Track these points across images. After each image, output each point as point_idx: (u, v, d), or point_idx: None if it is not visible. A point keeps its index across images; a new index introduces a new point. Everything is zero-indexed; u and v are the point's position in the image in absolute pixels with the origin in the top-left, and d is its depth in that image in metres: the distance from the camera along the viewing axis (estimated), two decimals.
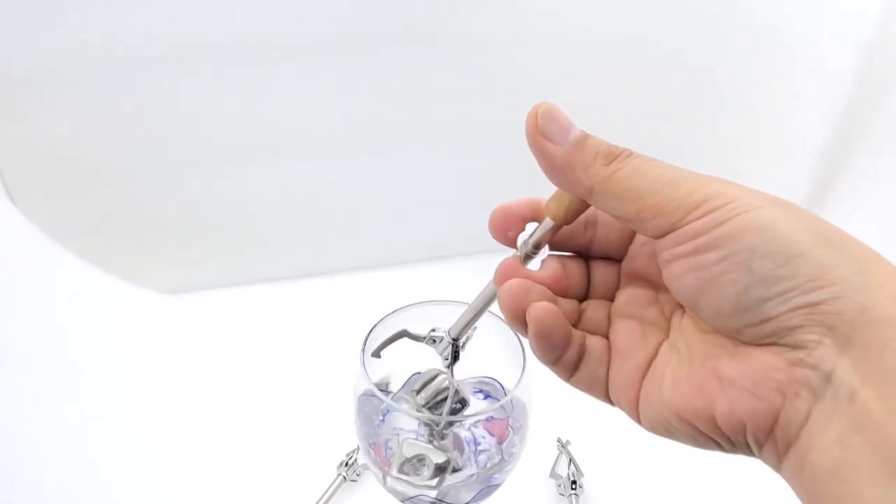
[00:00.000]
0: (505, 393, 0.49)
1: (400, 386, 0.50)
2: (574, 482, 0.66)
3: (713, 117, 0.93)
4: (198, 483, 0.69)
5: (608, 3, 0.85)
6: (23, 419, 0.73)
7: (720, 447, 0.29)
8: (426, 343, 0.39)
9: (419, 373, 0.50)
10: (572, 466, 0.68)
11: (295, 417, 0.75)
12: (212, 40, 0.94)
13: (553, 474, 0.68)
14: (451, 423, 0.46)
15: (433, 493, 0.43)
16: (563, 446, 0.70)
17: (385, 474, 0.44)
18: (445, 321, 0.49)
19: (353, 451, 0.69)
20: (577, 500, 0.65)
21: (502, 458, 0.45)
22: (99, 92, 0.93)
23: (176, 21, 0.94)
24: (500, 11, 0.86)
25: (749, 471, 0.71)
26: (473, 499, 0.44)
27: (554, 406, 0.66)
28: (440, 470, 0.43)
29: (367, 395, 0.46)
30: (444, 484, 0.43)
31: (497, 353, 0.48)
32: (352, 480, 0.67)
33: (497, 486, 0.45)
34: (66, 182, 0.92)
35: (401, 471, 0.43)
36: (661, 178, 0.28)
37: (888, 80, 0.85)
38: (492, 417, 0.46)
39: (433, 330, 0.38)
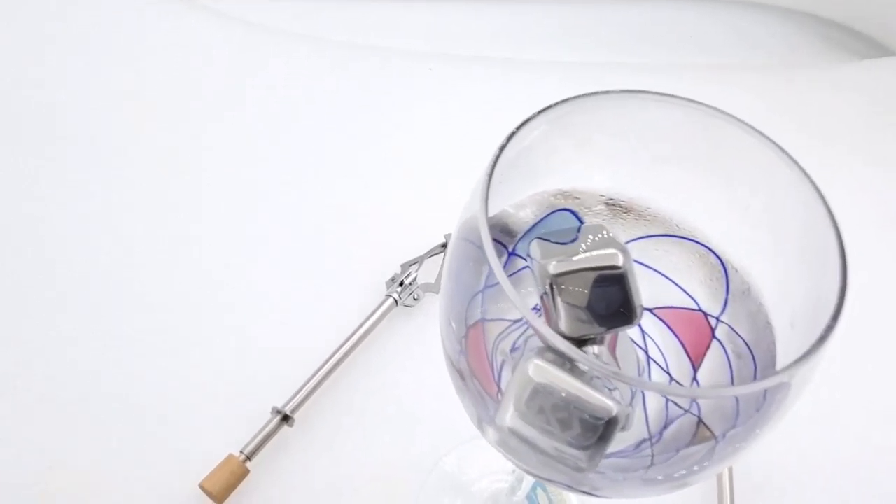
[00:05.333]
0: (727, 284, 0.25)
1: (521, 234, 0.27)
2: None
3: None
4: (217, 261, 0.49)
5: None
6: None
7: None
8: None
9: (576, 214, 0.27)
10: None
11: (335, 186, 0.53)
12: None
13: None
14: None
15: (573, 479, 0.22)
16: None
17: (483, 419, 0.23)
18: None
19: (410, 265, 0.48)
20: None
21: (701, 422, 0.24)
22: None
23: None
24: None
25: None
26: (648, 494, 0.23)
27: None
28: (599, 433, 0.22)
29: (470, 242, 0.24)
30: (605, 460, 0.21)
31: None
32: (406, 305, 0.47)
33: (696, 481, 0.23)
34: None
35: (522, 418, 0.22)
36: None
37: None
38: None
39: None
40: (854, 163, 0.58)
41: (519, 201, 0.26)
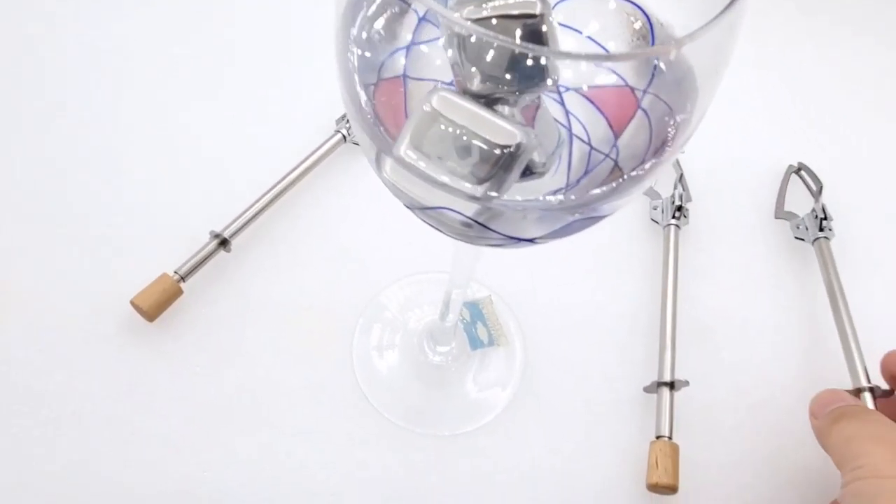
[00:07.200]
0: (652, 36, 0.24)
1: None
2: (679, 208, 0.44)
3: None
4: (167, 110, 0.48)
5: None
6: None
7: None
8: None
9: None
10: (680, 186, 0.45)
11: (293, 26, 0.52)
12: None
13: (649, 190, 0.46)
14: (542, 77, 0.22)
15: (470, 210, 0.21)
16: None
17: (382, 152, 0.22)
18: None
19: None
20: (676, 234, 0.44)
21: (617, 166, 0.23)
22: None
23: None
24: None
25: None
26: (556, 232, 0.22)
27: None
28: (503, 164, 0.21)
29: None
30: (504, 195, 0.20)
31: None
32: (354, 143, 0.46)
33: (596, 219, 0.22)
34: None
35: (418, 148, 0.21)
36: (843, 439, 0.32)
37: None
38: (621, 81, 0.23)
39: None
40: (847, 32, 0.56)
41: None
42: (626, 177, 0.21)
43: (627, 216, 0.46)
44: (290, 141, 0.45)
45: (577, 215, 0.21)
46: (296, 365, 0.40)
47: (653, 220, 0.45)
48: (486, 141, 0.21)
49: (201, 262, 0.41)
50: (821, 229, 0.44)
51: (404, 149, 0.21)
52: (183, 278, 0.40)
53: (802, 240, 0.45)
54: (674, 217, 0.44)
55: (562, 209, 0.21)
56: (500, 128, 0.21)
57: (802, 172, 0.48)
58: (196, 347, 0.40)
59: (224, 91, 0.48)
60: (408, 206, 0.23)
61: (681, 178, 0.45)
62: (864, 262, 0.45)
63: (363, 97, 0.23)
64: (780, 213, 0.46)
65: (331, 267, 0.43)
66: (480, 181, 0.21)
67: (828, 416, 0.34)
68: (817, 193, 0.46)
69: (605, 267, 0.44)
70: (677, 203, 0.44)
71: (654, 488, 0.37)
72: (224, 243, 0.41)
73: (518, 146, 0.21)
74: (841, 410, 0.33)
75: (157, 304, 0.39)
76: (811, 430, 0.40)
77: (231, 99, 0.48)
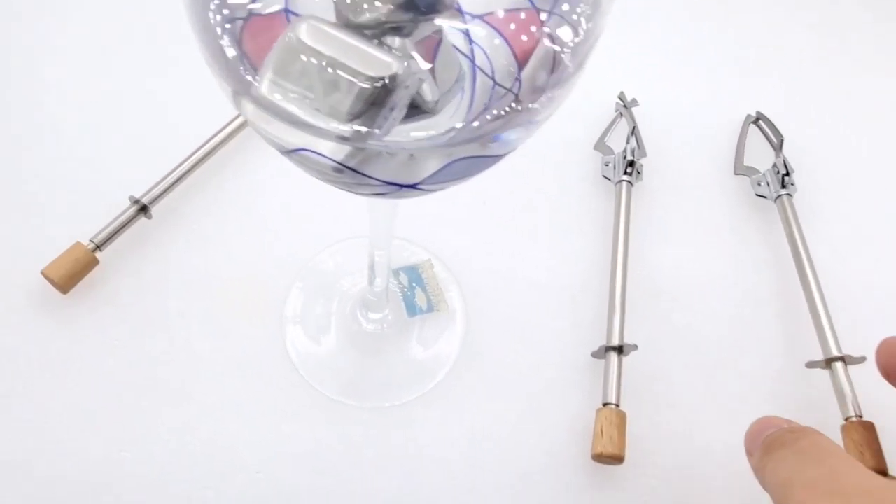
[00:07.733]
0: None
1: None
2: (631, 163, 0.42)
3: None
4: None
5: None
6: None
7: None
8: None
9: None
10: (633, 140, 0.43)
11: None
12: None
13: (600, 145, 0.44)
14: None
15: (340, 153, 0.18)
16: (624, 106, 0.45)
17: (241, 92, 0.19)
18: None
19: None
20: (628, 191, 0.41)
21: (518, 98, 0.20)
22: None
23: None
24: None
25: None
26: (441, 175, 0.19)
27: (618, 41, 0.42)
28: (376, 98, 0.18)
29: None
30: (384, 136, 0.18)
31: None
32: None
33: (497, 157, 0.20)
34: None
35: (281, 84, 0.18)
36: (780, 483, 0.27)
37: None
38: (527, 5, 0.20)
39: None
40: None
41: None
42: (518, 107, 0.19)
43: (578, 172, 0.43)
44: (219, 103, 0.43)
45: (461, 155, 0.19)
46: (223, 337, 0.37)
47: (604, 176, 0.43)
48: (355, 73, 0.18)
49: (119, 230, 0.38)
50: (783, 185, 0.42)
51: (264, 86, 0.18)
52: (99, 247, 0.38)
53: (764, 197, 0.43)
54: (626, 173, 0.42)
55: (445, 146, 0.18)
56: (372, 58, 0.18)
57: (761, 123, 0.45)
58: (114, 319, 0.37)
59: (146, 50, 0.45)
60: (279, 150, 0.21)
61: (633, 131, 0.43)
62: (831, 217, 0.43)
63: (219, 30, 0.20)
64: (740, 168, 0.44)
65: (260, 234, 0.40)
66: (352, 118, 0.18)
67: (759, 449, 0.29)
68: (778, 147, 0.44)
69: (554, 227, 0.42)
70: (629, 158, 0.42)
71: (599, 458, 0.34)
72: (144, 209, 0.39)
73: (393, 78, 0.18)
74: (771, 439, 0.29)
75: (70, 274, 0.37)
76: (767, 399, 0.38)
77: (154, 58, 0.45)
